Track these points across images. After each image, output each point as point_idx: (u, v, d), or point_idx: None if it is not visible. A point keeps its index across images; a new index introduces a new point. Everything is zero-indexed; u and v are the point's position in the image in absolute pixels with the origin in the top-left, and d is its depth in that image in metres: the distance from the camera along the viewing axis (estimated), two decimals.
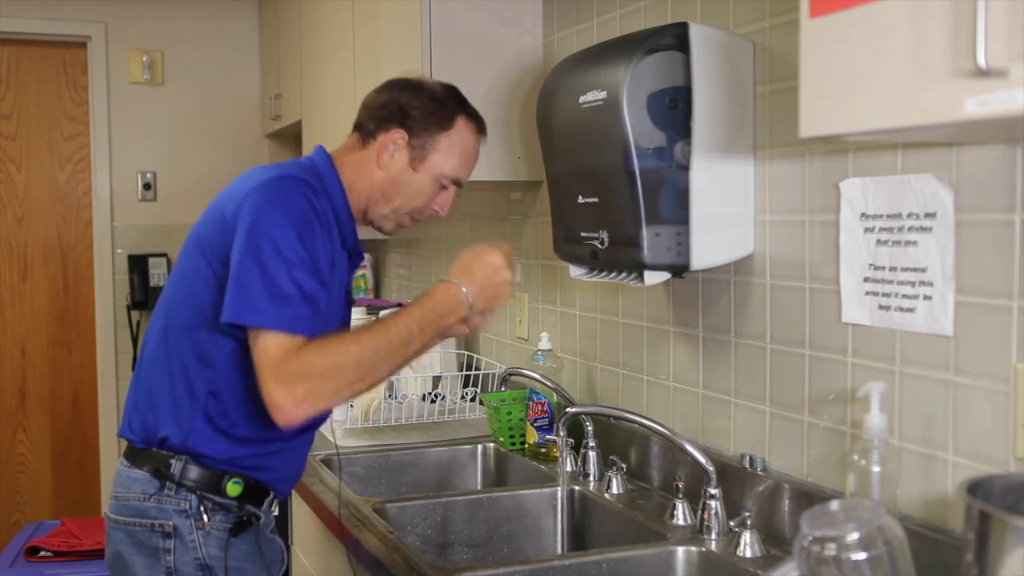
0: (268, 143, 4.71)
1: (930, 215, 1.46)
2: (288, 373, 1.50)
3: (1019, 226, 1.34)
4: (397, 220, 1.84)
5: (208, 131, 4.61)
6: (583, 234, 1.93)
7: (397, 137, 1.78)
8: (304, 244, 1.58)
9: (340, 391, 1.55)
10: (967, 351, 1.43)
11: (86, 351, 4.54)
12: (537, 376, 2.41)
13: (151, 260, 4.45)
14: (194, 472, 1.69)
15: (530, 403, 2.43)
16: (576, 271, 2.04)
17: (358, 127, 1.84)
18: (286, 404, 1.49)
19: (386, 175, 1.78)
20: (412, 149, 1.78)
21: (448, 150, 1.79)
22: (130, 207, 4.52)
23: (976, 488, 1.15)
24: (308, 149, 3.70)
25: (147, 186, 4.54)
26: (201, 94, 4.59)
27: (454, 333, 1.71)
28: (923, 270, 1.48)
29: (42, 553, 2.95)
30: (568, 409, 2.09)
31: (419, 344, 1.64)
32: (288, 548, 1.89)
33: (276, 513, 1.88)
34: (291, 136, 4.52)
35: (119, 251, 4.51)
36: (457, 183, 1.84)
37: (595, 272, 1.98)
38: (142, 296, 4.42)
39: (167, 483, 1.69)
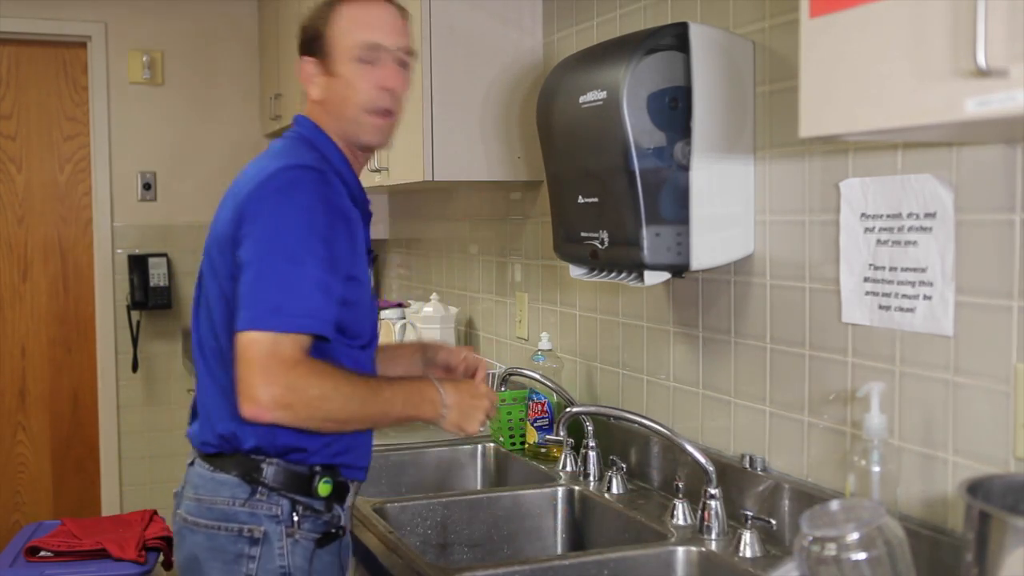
0: (267, 144, 4.70)
1: (930, 215, 1.46)
2: (280, 377, 1.51)
3: (1019, 226, 1.34)
4: (371, 127, 1.74)
5: (208, 131, 4.61)
6: (583, 234, 1.93)
7: (306, 65, 1.76)
8: (317, 238, 1.57)
9: (314, 419, 1.56)
10: (967, 351, 1.43)
11: (86, 351, 4.53)
12: (537, 376, 2.41)
13: (151, 260, 4.45)
14: (285, 475, 1.66)
15: (530, 403, 2.44)
16: (576, 271, 2.04)
17: None
18: (264, 402, 1.51)
19: (324, 99, 1.74)
20: (321, 63, 1.74)
21: (341, 33, 1.72)
22: (130, 207, 4.52)
23: (976, 488, 1.15)
24: None
25: (147, 186, 4.54)
26: (201, 94, 4.59)
27: (427, 421, 1.72)
28: (923, 270, 1.48)
29: (42, 553, 2.95)
30: (568, 409, 2.10)
31: (395, 415, 1.66)
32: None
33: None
34: None
35: (119, 251, 4.50)
36: (378, 47, 1.72)
37: (595, 272, 1.98)
38: (142, 296, 4.42)
39: (259, 488, 1.65)
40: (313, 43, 1.75)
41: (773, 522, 1.71)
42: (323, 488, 1.67)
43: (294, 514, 1.66)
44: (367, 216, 1.80)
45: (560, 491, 2.17)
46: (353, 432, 1.70)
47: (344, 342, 1.66)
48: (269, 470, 1.65)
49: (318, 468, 1.67)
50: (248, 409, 1.52)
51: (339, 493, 1.71)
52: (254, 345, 1.52)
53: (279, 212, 1.58)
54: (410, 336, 3.09)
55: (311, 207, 1.59)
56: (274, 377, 1.51)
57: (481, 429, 1.75)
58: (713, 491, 1.80)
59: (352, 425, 1.64)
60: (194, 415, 1.78)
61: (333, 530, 1.71)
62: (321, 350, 1.60)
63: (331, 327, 1.58)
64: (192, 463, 1.75)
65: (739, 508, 1.78)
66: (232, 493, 1.66)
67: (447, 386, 1.71)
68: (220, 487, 1.67)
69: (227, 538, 1.65)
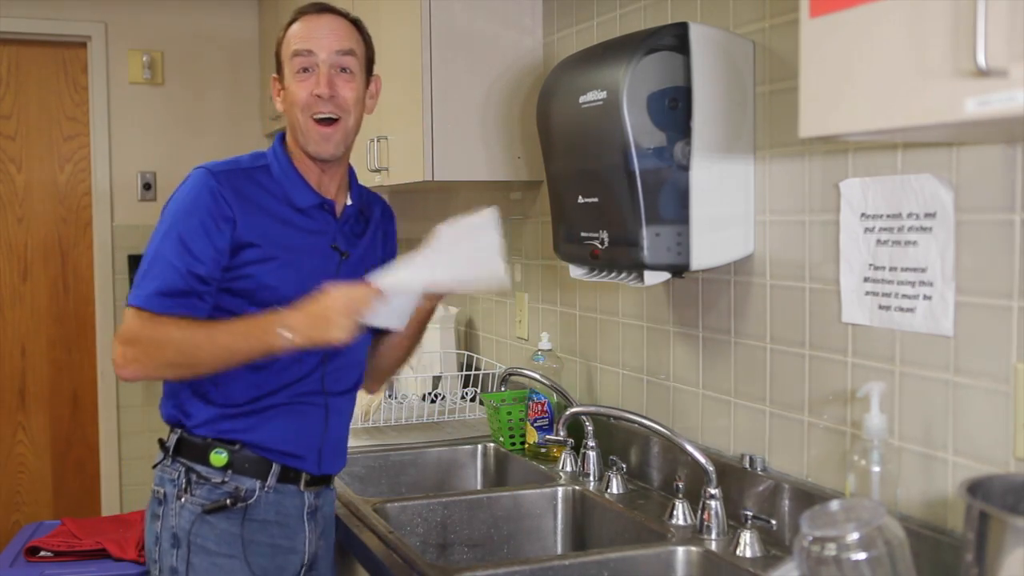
0: (268, 143, 4.70)
1: (930, 215, 1.46)
2: (126, 335, 1.73)
3: (1019, 226, 1.34)
4: (315, 136, 1.86)
5: (208, 131, 4.61)
6: (583, 234, 1.93)
7: (274, 82, 1.95)
8: (188, 228, 1.77)
9: (160, 366, 1.74)
10: (967, 351, 1.43)
11: (86, 351, 4.53)
12: (537, 376, 2.41)
13: None
14: (182, 443, 1.82)
15: (530, 403, 2.43)
16: (576, 271, 2.04)
17: None
18: (117, 360, 1.72)
19: (283, 112, 1.94)
20: (278, 79, 1.93)
21: (285, 47, 1.91)
22: (130, 207, 4.52)
23: (976, 488, 1.15)
24: None
25: (147, 186, 4.54)
26: (201, 94, 4.59)
27: (282, 350, 1.70)
28: (923, 270, 1.48)
29: (42, 553, 2.94)
30: (568, 409, 2.10)
31: (243, 351, 1.71)
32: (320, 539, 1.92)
33: (310, 495, 1.87)
34: None
35: (119, 251, 4.50)
36: (310, 55, 1.86)
37: (595, 272, 1.98)
38: None
39: (166, 454, 1.84)
40: (276, 61, 1.94)
41: (773, 522, 1.71)
42: (215, 459, 1.79)
43: (186, 480, 1.80)
44: (329, 213, 1.92)
45: (560, 491, 2.17)
46: (255, 414, 1.80)
47: (250, 308, 1.76)
48: (172, 437, 1.84)
49: (210, 439, 1.80)
50: (117, 371, 1.74)
51: (247, 466, 1.80)
52: (124, 317, 1.78)
53: (166, 207, 1.86)
54: None
55: (184, 200, 1.83)
56: (123, 338, 1.73)
57: (358, 330, 1.65)
58: (713, 491, 1.80)
59: (201, 368, 1.74)
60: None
61: (228, 500, 1.79)
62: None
63: (158, 302, 1.72)
64: None
65: (739, 508, 1.78)
66: (156, 459, 1.87)
67: (290, 310, 1.68)
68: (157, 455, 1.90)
69: (153, 499, 1.87)
